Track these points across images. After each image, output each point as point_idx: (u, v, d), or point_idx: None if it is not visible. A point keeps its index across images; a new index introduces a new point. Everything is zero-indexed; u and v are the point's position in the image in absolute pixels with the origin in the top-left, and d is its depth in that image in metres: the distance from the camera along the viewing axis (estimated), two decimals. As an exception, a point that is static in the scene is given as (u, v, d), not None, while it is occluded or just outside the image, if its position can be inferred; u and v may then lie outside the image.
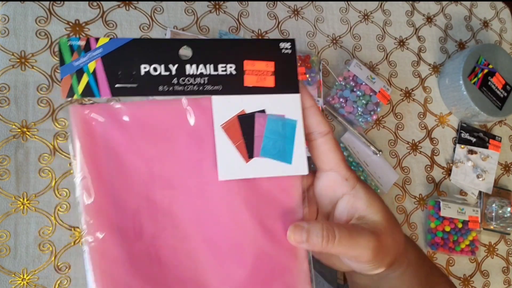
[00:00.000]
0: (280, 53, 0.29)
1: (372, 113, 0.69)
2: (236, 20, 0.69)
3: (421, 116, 0.76)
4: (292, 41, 0.30)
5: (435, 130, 0.76)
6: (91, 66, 0.27)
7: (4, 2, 0.57)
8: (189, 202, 0.29)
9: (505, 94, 0.75)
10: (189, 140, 0.28)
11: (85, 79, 0.27)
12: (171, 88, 0.28)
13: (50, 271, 0.52)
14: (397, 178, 0.70)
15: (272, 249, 0.29)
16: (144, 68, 0.27)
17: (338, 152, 0.31)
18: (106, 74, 0.27)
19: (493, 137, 0.78)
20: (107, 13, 0.62)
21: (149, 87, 0.27)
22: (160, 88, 0.27)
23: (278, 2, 0.72)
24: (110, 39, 0.27)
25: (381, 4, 0.79)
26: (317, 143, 0.31)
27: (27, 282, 0.51)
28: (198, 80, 0.28)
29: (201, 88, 0.28)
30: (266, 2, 0.71)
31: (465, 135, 0.77)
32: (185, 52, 0.28)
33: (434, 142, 0.76)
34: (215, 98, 0.28)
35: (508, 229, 0.74)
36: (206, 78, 0.28)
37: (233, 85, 0.29)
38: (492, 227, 0.73)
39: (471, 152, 0.76)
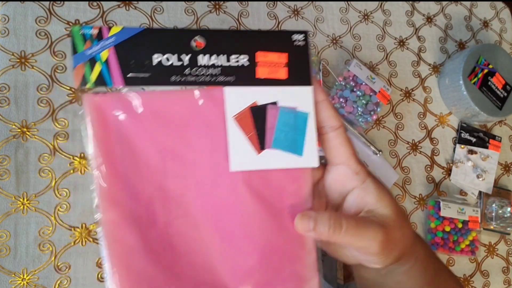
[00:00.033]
0: (293, 45, 0.29)
1: (372, 113, 0.69)
2: (236, 20, 0.69)
3: (421, 116, 0.76)
4: (305, 33, 0.29)
5: (435, 130, 0.76)
6: (104, 55, 0.27)
7: (4, 2, 0.57)
8: (201, 192, 0.29)
9: (505, 94, 0.75)
10: (201, 130, 0.28)
11: (98, 68, 0.27)
12: (183, 79, 0.27)
13: (50, 271, 0.52)
14: (397, 178, 0.70)
15: (281, 238, 0.30)
16: (156, 58, 0.27)
17: (349, 146, 0.31)
18: (119, 63, 0.27)
19: (493, 137, 0.78)
20: (107, 13, 0.62)
21: (162, 77, 0.27)
22: (173, 78, 0.27)
23: (278, 2, 0.72)
24: (123, 28, 0.27)
25: (381, 4, 0.79)
26: (328, 137, 0.31)
27: (27, 282, 0.51)
28: (210, 71, 0.28)
29: (213, 79, 0.28)
30: (266, 2, 0.71)
31: (465, 135, 0.77)
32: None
33: (434, 142, 0.76)
34: (227, 89, 0.28)
35: (508, 229, 0.74)
36: (218, 69, 0.28)
37: (245, 77, 0.28)
38: (492, 227, 0.73)
39: (471, 152, 0.76)
